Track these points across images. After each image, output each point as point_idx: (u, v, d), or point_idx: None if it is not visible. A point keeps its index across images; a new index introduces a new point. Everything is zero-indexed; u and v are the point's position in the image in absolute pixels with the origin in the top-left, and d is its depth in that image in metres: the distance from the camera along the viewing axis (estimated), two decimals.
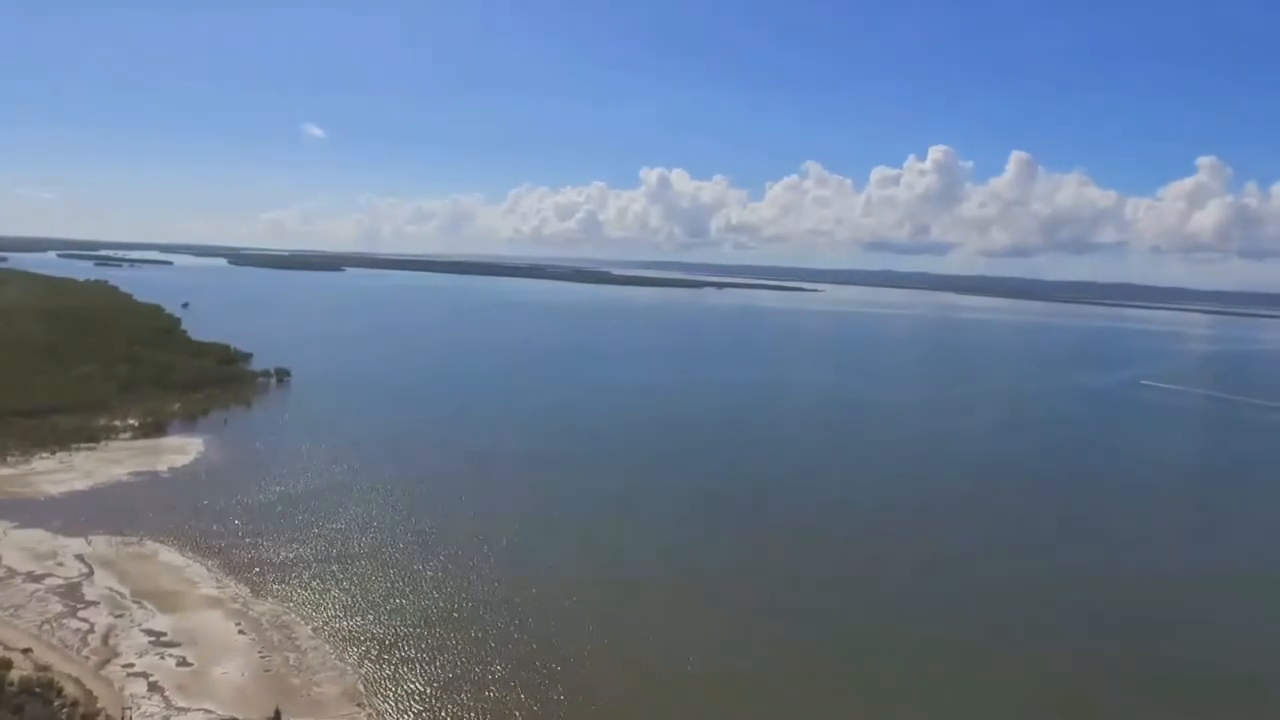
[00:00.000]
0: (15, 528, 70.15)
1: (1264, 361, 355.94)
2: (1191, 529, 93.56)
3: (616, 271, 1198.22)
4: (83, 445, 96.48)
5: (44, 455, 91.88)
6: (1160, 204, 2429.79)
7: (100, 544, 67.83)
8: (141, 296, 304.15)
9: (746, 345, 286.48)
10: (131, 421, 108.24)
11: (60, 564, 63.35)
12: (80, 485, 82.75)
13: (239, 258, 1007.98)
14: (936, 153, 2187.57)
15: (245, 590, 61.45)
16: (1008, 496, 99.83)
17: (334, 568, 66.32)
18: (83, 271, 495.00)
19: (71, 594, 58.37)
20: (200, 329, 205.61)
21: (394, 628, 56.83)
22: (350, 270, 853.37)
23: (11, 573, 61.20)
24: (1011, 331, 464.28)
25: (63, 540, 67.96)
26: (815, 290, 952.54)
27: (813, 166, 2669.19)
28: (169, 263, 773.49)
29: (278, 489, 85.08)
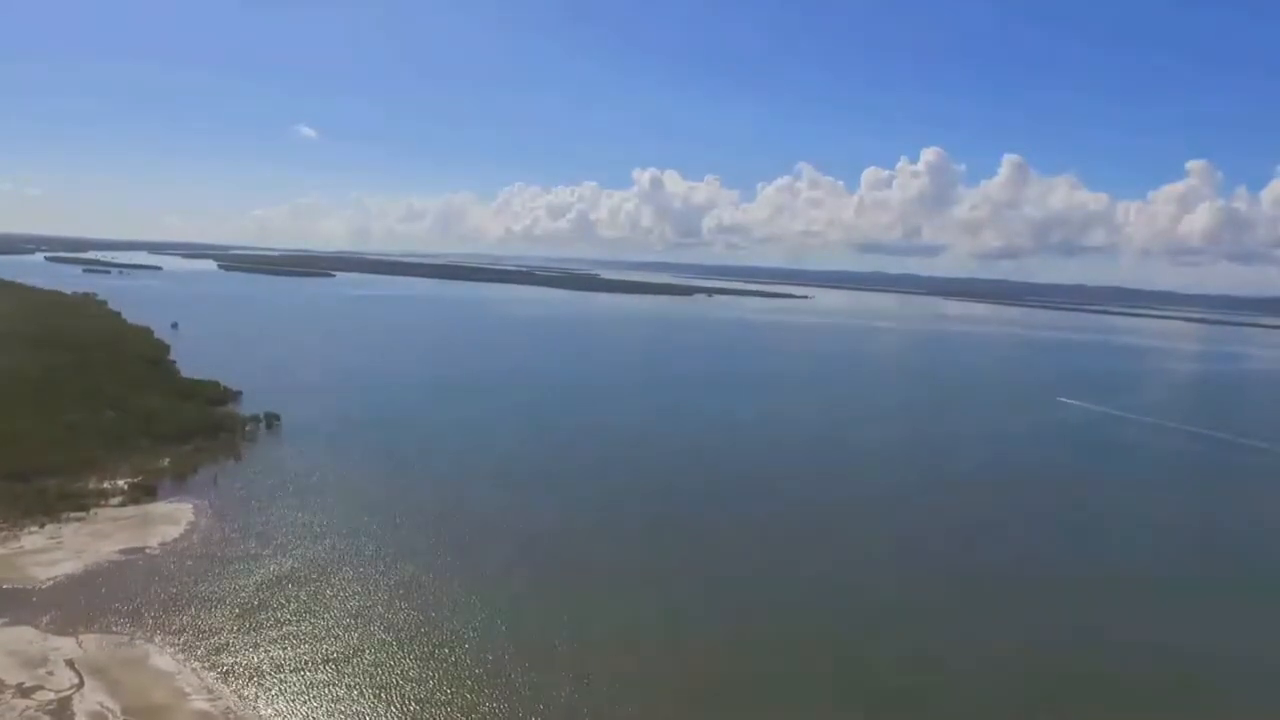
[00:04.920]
0: (6, 625, 70.51)
1: (1240, 385, 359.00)
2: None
3: (607, 274, 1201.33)
4: (72, 515, 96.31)
5: (33, 529, 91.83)
6: (1150, 207, 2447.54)
7: (91, 645, 68.25)
8: (130, 311, 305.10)
9: (726, 375, 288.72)
10: (120, 484, 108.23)
11: (51, 673, 63.73)
12: (70, 567, 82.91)
13: (229, 260, 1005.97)
14: (929, 155, 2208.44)
15: (235, 701, 62.02)
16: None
17: (322, 674, 66.58)
18: (70, 279, 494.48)
19: (61, 712, 58.82)
20: (189, 357, 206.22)
21: None
22: (340, 275, 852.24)
23: (2, 686, 61.60)
24: (984, 345, 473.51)
25: (53, 641, 68.33)
26: (804, 298, 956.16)
27: (805, 168, 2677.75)
28: (158, 268, 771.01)
29: (266, 570, 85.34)
